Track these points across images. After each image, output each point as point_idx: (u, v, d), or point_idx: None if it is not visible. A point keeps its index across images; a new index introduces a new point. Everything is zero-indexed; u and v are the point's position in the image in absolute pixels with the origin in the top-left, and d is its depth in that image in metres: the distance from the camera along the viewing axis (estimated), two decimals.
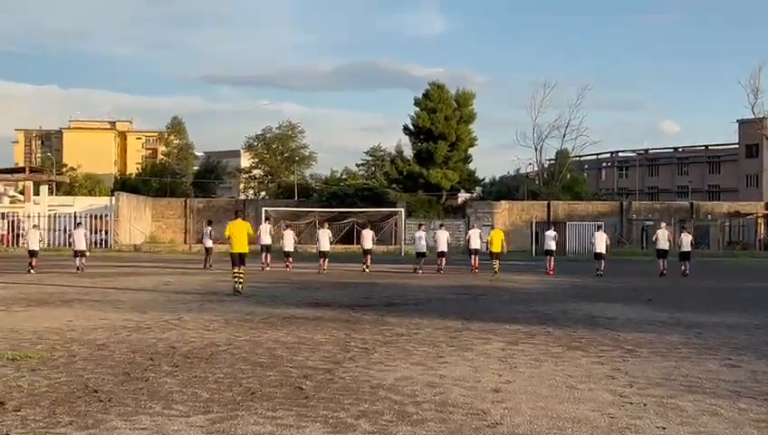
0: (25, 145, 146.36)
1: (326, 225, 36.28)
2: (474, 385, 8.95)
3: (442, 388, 8.76)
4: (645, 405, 8.06)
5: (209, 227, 36.13)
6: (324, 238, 33.03)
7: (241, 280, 20.44)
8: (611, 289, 24.40)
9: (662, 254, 32.06)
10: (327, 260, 32.42)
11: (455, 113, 67.90)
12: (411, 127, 69.43)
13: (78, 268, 30.57)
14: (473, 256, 33.14)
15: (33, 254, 30.83)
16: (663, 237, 32.43)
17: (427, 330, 13.65)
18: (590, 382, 9.20)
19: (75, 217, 52.62)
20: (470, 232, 35.22)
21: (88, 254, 33.62)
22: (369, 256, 33.38)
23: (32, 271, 29.34)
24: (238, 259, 20.62)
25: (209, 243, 35.06)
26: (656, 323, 15.16)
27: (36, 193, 56.52)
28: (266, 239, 33.97)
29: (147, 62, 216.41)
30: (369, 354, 10.98)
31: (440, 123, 66.78)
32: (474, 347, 11.74)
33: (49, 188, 73.09)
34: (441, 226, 37.85)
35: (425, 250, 33.70)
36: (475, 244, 33.46)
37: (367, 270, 32.06)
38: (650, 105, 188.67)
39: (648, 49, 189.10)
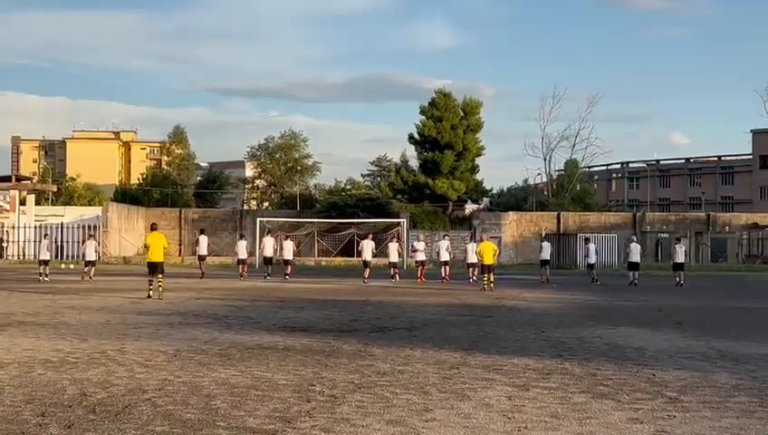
0: (13, 153, 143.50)
1: (370, 236, 36.39)
2: None
3: None
4: None
5: (203, 236, 37.33)
6: (368, 250, 33.70)
7: (159, 286, 22.28)
8: (632, 308, 21.81)
9: (633, 266, 33.95)
10: (370, 270, 33.14)
11: (461, 122, 65.12)
12: (417, 136, 66.69)
13: (89, 277, 32.04)
14: (469, 270, 33.92)
15: (44, 263, 32.01)
16: (635, 250, 34.51)
17: (416, 366, 11.12)
18: None
19: (63, 227, 50.56)
20: (467, 246, 35.89)
21: (88, 268, 33.19)
22: (398, 268, 35.09)
23: (46, 278, 30.84)
24: (154, 268, 22.42)
25: (203, 251, 36.33)
26: (694, 355, 12.60)
27: (23, 203, 54.03)
28: (268, 252, 35.50)
29: (158, 74, 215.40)
30: (335, 406, 8.43)
31: (446, 132, 64.00)
32: (472, 394, 9.19)
33: (46, 198, 70.82)
34: (444, 236, 39.22)
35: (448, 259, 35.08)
36: (472, 258, 33.46)
37: (397, 278, 33.97)
38: (660, 117, 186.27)
39: (657, 60, 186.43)
